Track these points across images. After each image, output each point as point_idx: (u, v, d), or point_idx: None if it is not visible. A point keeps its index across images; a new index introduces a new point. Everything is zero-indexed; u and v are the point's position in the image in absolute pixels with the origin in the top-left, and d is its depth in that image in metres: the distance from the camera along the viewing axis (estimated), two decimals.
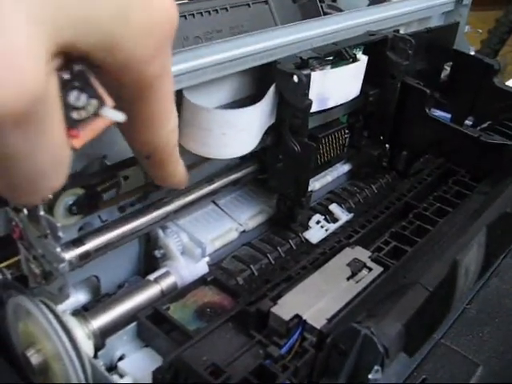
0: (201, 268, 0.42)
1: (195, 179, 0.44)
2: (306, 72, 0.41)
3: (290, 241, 0.45)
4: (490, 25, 1.53)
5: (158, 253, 0.43)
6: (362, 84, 0.50)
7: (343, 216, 0.48)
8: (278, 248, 0.44)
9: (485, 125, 0.58)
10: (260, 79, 0.42)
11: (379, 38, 0.49)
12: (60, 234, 0.32)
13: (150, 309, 0.38)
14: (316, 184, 0.51)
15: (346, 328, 0.31)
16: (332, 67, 0.45)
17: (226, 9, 0.60)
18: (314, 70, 0.43)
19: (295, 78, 0.39)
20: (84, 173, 0.36)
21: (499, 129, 0.57)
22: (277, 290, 0.37)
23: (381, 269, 0.38)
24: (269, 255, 0.44)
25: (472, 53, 0.70)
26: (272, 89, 0.40)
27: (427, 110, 0.50)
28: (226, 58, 0.38)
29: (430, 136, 0.51)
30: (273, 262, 0.43)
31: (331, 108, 0.47)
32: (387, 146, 0.54)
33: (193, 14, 0.58)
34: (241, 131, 0.37)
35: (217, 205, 0.46)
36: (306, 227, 0.47)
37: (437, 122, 0.50)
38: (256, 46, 0.40)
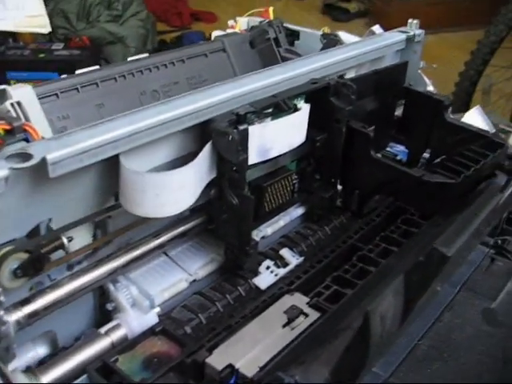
0: (150, 319, 0.46)
1: (144, 234, 0.48)
2: (242, 127, 0.45)
3: (239, 288, 0.48)
4: (463, 46, 1.58)
5: (109, 306, 0.46)
6: (309, 130, 0.54)
7: (293, 260, 0.51)
8: (227, 296, 0.48)
9: (438, 159, 0.62)
10: (201, 136, 0.47)
11: (321, 85, 0.53)
12: (1, 298, 0.36)
13: (99, 361, 0.42)
14: (268, 230, 0.54)
15: (273, 377, 0.34)
16: (272, 119, 0.50)
17: (182, 61, 0.65)
18: (253, 124, 0.47)
19: (228, 136, 0.43)
20: (28, 237, 0.40)
21: (457, 160, 0.60)
22: (215, 339, 0.40)
23: (317, 314, 0.42)
24: (217, 303, 0.47)
25: (430, 87, 0.74)
26: (207, 147, 0.44)
27: (372, 153, 0.54)
28: (161, 120, 0.42)
29: (376, 177, 0.54)
30: (221, 309, 0.47)
31: (276, 157, 0.51)
32: (340, 187, 0.58)
33: (149, 69, 0.63)
34: (174, 191, 0.41)
35: (168, 256, 0.50)
36: (256, 273, 0.50)
37: (381, 164, 0.54)
38: (191, 107, 0.44)
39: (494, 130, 0.75)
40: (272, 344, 0.39)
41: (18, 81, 1.78)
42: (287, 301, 0.43)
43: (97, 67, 0.59)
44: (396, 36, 0.69)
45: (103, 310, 0.47)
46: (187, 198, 0.43)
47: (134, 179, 0.40)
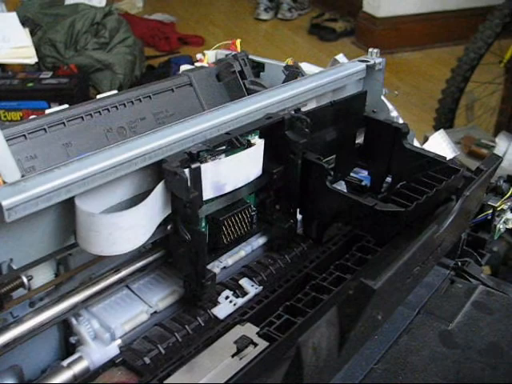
0: (111, 351, 0.48)
1: (105, 269, 0.51)
2: (194, 166, 0.48)
3: (199, 318, 0.51)
4: (447, 61, 1.63)
5: (72, 339, 0.49)
6: (266, 163, 0.57)
7: (252, 290, 0.54)
8: (186, 326, 0.50)
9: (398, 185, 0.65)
10: (157, 174, 0.50)
11: (275, 120, 0.56)
12: None
13: None
14: (229, 260, 0.57)
15: None
16: (226, 155, 0.53)
17: (149, 97, 0.68)
18: (206, 161, 0.50)
19: (178, 176, 0.46)
20: None
21: (413, 186, 0.63)
22: (168, 369, 0.43)
23: (266, 344, 0.44)
24: (176, 334, 0.50)
25: (393, 113, 0.77)
26: (159, 186, 0.47)
27: (327, 183, 0.57)
28: (113, 163, 0.45)
29: (332, 207, 0.57)
30: (180, 339, 0.49)
31: (233, 191, 0.54)
32: (300, 216, 0.61)
33: (116, 106, 0.67)
34: (126, 230, 0.44)
35: (130, 289, 0.53)
36: (215, 303, 0.53)
37: (337, 194, 0.57)
38: (143, 149, 0.47)
39: (457, 153, 0.78)
40: (220, 373, 0.41)
41: (8, 110, 1.83)
42: (238, 331, 0.46)
43: (65, 106, 0.63)
44: (356, 66, 0.73)
45: (67, 344, 0.50)
46: (140, 236, 0.46)
47: (88, 220, 0.43)
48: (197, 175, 0.49)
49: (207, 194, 0.51)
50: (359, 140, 0.70)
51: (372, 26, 2.47)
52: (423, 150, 0.67)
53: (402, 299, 0.54)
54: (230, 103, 0.58)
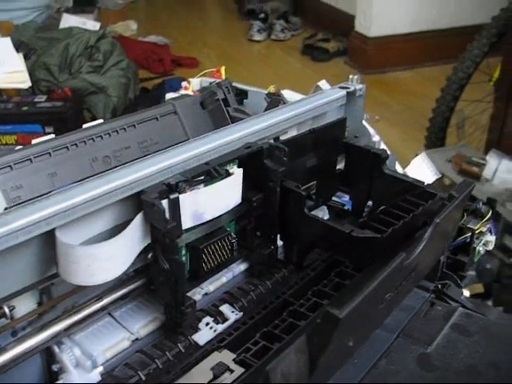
0: (93, 378, 0.50)
1: (87, 297, 0.53)
2: (172, 197, 0.51)
3: (179, 344, 0.53)
4: (438, 80, 1.67)
5: (55, 367, 0.51)
6: (245, 191, 0.59)
7: (232, 316, 0.56)
8: (167, 353, 0.52)
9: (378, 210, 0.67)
10: (136, 206, 0.52)
11: (254, 150, 0.59)
12: None
13: None
14: (210, 287, 0.59)
15: None
16: (205, 185, 0.55)
17: (133, 126, 0.71)
18: (185, 192, 0.53)
19: (156, 207, 0.48)
20: None
21: (391, 211, 0.65)
22: None
23: (242, 370, 0.46)
24: (157, 360, 0.51)
25: (375, 137, 0.80)
26: (138, 217, 0.49)
27: (305, 210, 0.59)
28: (93, 196, 0.48)
29: (311, 233, 0.59)
30: (160, 366, 0.51)
31: (213, 219, 0.56)
32: (281, 241, 0.63)
33: (101, 136, 0.69)
34: (105, 261, 0.46)
35: (112, 316, 0.55)
36: (196, 329, 0.54)
37: (314, 221, 0.59)
38: (122, 181, 0.49)
39: (439, 176, 0.80)
40: None
41: (3, 134, 1.86)
42: (215, 357, 0.47)
43: (51, 136, 0.65)
44: (336, 92, 0.75)
45: (49, 372, 0.51)
46: (119, 266, 0.48)
47: (67, 251, 0.45)
48: (175, 206, 0.51)
49: (186, 224, 0.53)
50: (340, 165, 0.73)
51: (364, 46, 2.51)
52: (402, 175, 0.70)
53: (378, 324, 0.55)
54: (210, 133, 0.60)
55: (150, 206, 0.49)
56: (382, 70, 2.44)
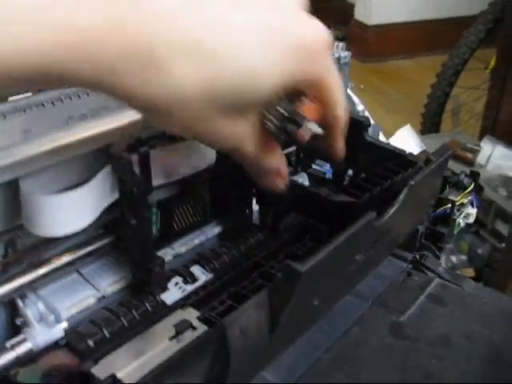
0: (56, 333, 0.49)
1: (55, 252, 0.52)
2: (142, 151, 0.49)
3: (146, 303, 0.52)
4: (437, 69, 1.65)
5: (18, 321, 0.50)
6: (221, 152, 0.58)
7: (202, 277, 0.55)
8: (133, 311, 0.51)
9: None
10: (105, 160, 0.51)
11: None
12: None
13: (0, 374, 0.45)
14: (182, 248, 0.58)
15: None
16: (178, 141, 0.54)
17: None
18: (156, 147, 0.51)
19: (123, 160, 0.47)
20: None
21: (374, 180, 0.63)
22: (107, 352, 0.44)
23: (205, 328, 0.45)
24: (122, 318, 0.50)
25: (359, 106, 0.79)
26: (104, 170, 0.48)
27: None
28: (60, 145, 0.47)
29: (287, 196, 0.58)
30: (126, 324, 0.50)
31: (186, 178, 0.55)
32: (257, 205, 0.62)
33: (78, 95, 0.67)
34: (69, 211, 0.45)
35: (80, 273, 0.54)
36: (165, 289, 0.53)
37: (291, 184, 0.57)
38: (91, 132, 0.48)
39: (424, 148, 0.79)
40: (156, 355, 0.42)
41: None
42: (179, 315, 0.46)
43: (27, 94, 0.64)
44: None
45: (13, 326, 0.51)
46: (84, 217, 0.47)
47: (30, 201, 0.44)
48: (145, 160, 0.50)
49: (157, 181, 0.52)
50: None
51: (363, 34, 2.50)
52: (383, 143, 0.68)
53: (348, 287, 0.54)
54: None
55: (117, 158, 0.48)
56: (382, 58, 2.43)
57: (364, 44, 2.45)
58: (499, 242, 1.44)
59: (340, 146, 0.47)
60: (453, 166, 1.57)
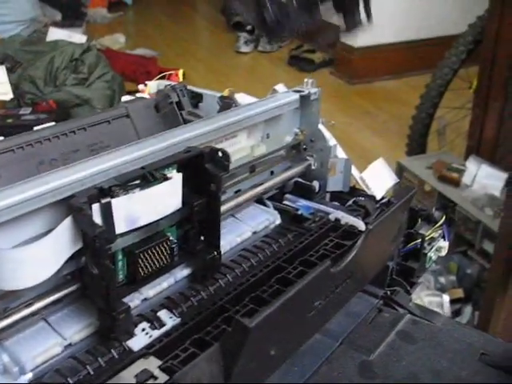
0: None
1: (18, 301, 0.52)
2: (104, 201, 0.50)
3: (113, 350, 0.52)
4: (421, 90, 1.67)
5: None
6: (187, 195, 0.58)
7: (170, 321, 0.55)
8: (99, 359, 0.51)
9: None
10: (68, 211, 0.51)
11: (194, 154, 0.58)
12: None
13: None
14: (150, 292, 0.58)
15: None
16: (141, 189, 0.54)
17: (84, 129, 0.70)
18: (118, 196, 0.52)
19: (83, 211, 0.48)
20: None
21: None
22: None
23: (166, 377, 0.45)
24: (88, 367, 0.50)
25: (331, 142, 0.79)
26: (66, 221, 0.49)
27: None
28: (22, 199, 0.47)
29: None
30: (92, 372, 0.50)
31: (150, 223, 0.56)
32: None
33: (49, 139, 0.68)
34: (30, 264, 0.45)
35: (47, 321, 0.54)
36: (132, 335, 0.53)
37: None
38: (52, 184, 0.49)
39: (397, 181, 0.79)
40: None
41: None
42: (141, 364, 0.46)
43: None
44: (289, 96, 0.75)
45: None
46: (45, 269, 0.47)
47: None
48: (107, 210, 0.50)
49: (120, 228, 0.53)
50: None
51: (349, 56, 2.52)
52: None
53: (310, 332, 0.54)
54: (149, 138, 0.60)
55: (78, 210, 0.48)
56: (368, 79, 2.45)
57: (350, 66, 2.47)
58: (488, 262, 1.44)
59: None
60: (439, 186, 1.58)
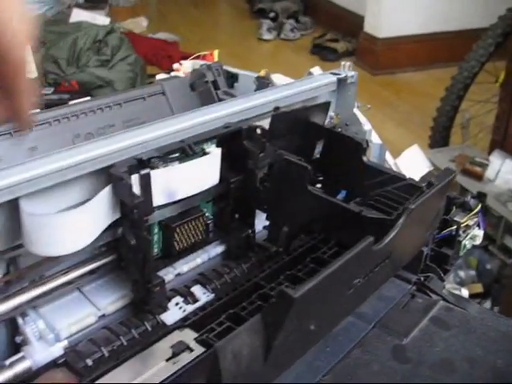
0: (55, 352, 0.49)
1: (56, 270, 0.52)
2: (143, 172, 0.50)
3: (146, 323, 0.51)
4: (447, 82, 1.65)
5: (18, 339, 0.50)
6: (225, 172, 0.58)
7: (203, 297, 0.55)
8: (133, 330, 0.51)
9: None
10: (107, 181, 0.51)
11: (232, 130, 0.57)
12: None
13: None
14: (184, 267, 0.58)
15: None
16: (180, 162, 0.54)
17: (119, 104, 0.70)
18: (157, 168, 0.51)
19: (123, 181, 0.47)
20: None
21: (373, 204, 0.63)
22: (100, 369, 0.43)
23: (202, 349, 0.45)
24: (122, 337, 0.50)
25: (366, 126, 0.78)
26: (105, 190, 0.48)
27: (309, 186, 0.56)
28: (61, 166, 0.47)
29: (311, 211, 0.56)
30: (125, 343, 0.50)
31: (187, 198, 0.55)
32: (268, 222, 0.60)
33: (85, 113, 0.68)
34: (68, 231, 0.45)
35: (81, 291, 0.54)
36: (165, 309, 0.53)
37: (318, 198, 0.56)
38: (93, 153, 0.49)
39: (431, 168, 0.78)
40: (152, 376, 0.42)
41: None
42: (176, 336, 0.46)
43: (35, 111, 0.64)
44: (326, 78, 0.74)
45: (13, 343, 0.51)
46: (83, 237, 0.47)
47: (30, 220, 0.44)
48: (146, 181, 0.50)
49: (158, 201, 0.52)
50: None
51: (373, 47, 2.49)
52: (383, 166, 0.67)
53: (347, 311, 0.54)
54: (189, 112, 0.59)
55: (118, 179, 0.48)
56: (391, 70, 2.42)
57: (373, 56, 2.44)
58: (508, 258, 1.42)
59: (19, 100, 0.38)
60: (461, 180, 1.56)
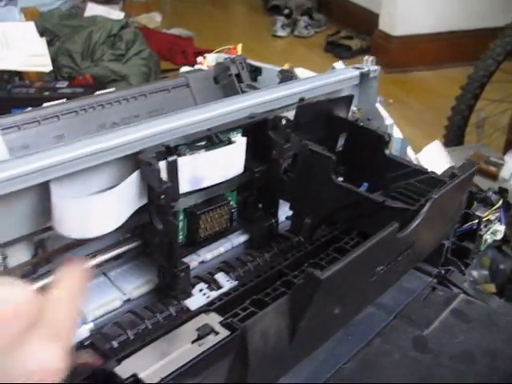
0: (82, 333, 0.50)
1: (82, 254, 0.53)
2: (171, 159, 0.50)
3: (171, 308, 0.52)
4: (462, 81, 1.64)
5: None
6: (249, 161, 0.58)
7: (227, 284, 0.55)
8: (157, 315, 0.52)
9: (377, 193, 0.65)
10: (135, 166, 0.51)
11: (258, 120, 0.58)
12: None
13: None
14: (207, 255, 0.59)
15: None
16: (206, 151, 0.54)
17: (144, 95, 0.71)
18: (184, 155, 0.52)
19: (152, 166, 0.48)
20: None
21: (395, 196, 0.63)
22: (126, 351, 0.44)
23: (228, 333, 0.45)
24: (147, 321, 0.51)
25: (388, 121, 0.78)
26: (134, 175, 0.49)
27: (333, 177, 0.57)
28: (91, 151, 0.48)
29: (335, 202, 0.56)
30: (150, 327, 0.51)
31: (213, 186, 0.56)
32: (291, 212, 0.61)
33: (111, 103, 0.69)
34: (97, 214, 0.46)
35: (107, 276, 0.55)
36: (189, 295, 0.54)
37: (342, 188, 0.56)
38: (123, 139, 0.49)
39: (452, 164, 0.78)
40: (177, 357, 0.43)
41: None
42: (201, 319, 0.47)
43: (61, 101, 0.66)
44: (349, 72, 0.74)
45: None
46: (111, 220, 0.48)
47: (59, 203, 0.45)
48: (173, 168, 0.51)
49: (184, 188, 0.53)
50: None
51: (387, 45, 2.49)
52: (404, 160, 0.68)
53: (370, 298, 0.54)
54: (215, 102, 0.60)
55: (146, 165, 0.49)
56: (405, 69, 2.41)
57: (388, 54, 2.43)
58: None
59: None
60: (476, 179, 1.55)
